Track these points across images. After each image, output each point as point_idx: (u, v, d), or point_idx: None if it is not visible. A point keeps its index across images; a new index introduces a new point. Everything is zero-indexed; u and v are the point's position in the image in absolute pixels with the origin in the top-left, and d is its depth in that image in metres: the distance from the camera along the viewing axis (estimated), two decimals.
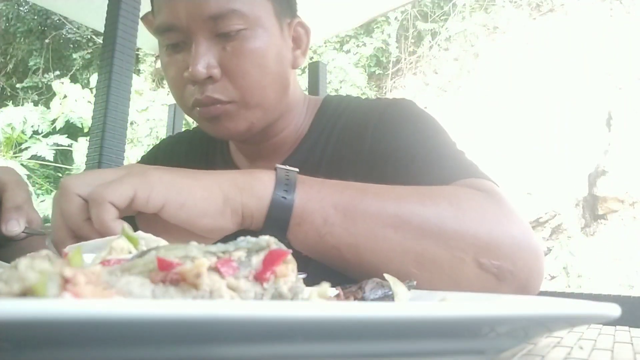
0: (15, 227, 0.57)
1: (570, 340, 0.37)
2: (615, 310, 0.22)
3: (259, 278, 0.23)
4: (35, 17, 8.29)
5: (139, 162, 0.87)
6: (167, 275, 0.21)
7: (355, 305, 0.17)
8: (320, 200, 0.50)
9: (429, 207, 0.50)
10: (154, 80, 7.94)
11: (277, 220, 0.48)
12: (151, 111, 7.04)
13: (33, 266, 0.18)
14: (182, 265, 0.21)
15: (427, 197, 0.51)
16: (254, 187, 0.49)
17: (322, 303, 0.21)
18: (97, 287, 0.19)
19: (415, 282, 0.37)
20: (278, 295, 0.24)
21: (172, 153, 0.87)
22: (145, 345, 0.16)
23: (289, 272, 0.24)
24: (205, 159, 0.83)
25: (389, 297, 0.34)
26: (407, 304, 0.27)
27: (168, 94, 7.43)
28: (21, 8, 8.37)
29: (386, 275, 0.34)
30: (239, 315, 0.15)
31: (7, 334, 0.13)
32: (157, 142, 1.34)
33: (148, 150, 0.95)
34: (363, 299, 0.34)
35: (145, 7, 2.19)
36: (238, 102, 0.65)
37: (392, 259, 0.49)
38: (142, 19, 0.71)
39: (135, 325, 0.14)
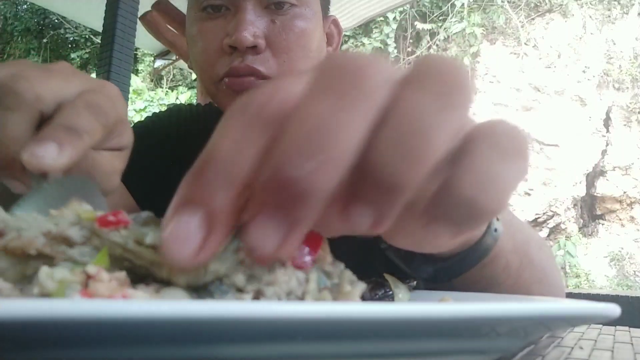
0: (51, 152, 0.27)
1: (570, 340, 0.37)
2: (615, 310, 0.22)
3: (297, 266, 0.22)
4: (33, 17, 8.28)
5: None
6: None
7: (355, 305, 0.17)
8: (507, 240, 0.40)
9: (550, 259, 0.51)
10: (152, 80, 7.94)
11: (477, 252, 0.37)
12: (149, 111, 7.04)
13: (53, 276, 0.18)
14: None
15: (543, 244, 0.52)
16: None
17: (321, 303, 0.21)
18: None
19: (415, 282, 0.36)
20: (326, 275, 0.22)
21: (169, 125, 0.77)
22: (147, 346, 0.16)
23: (326, 254, 0.23)
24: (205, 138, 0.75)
25: (389, 297, 0.34)
26: (407, 304, 0.26)
27: (167, 94, 7.43)
28: (19, 7, 8.35)
29: (386, 275, 0.33)
30: (239, 315, 0.15)
31: (7, 334, 0.13)
32: None
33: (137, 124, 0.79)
34: (363, 298, 0.34)
35: (143, 7, 2.19)
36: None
37: None
38: (140, 18, 0.70)
39: (137, 325, 0.14)
